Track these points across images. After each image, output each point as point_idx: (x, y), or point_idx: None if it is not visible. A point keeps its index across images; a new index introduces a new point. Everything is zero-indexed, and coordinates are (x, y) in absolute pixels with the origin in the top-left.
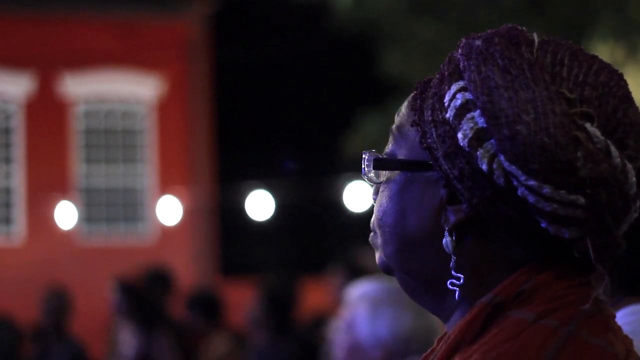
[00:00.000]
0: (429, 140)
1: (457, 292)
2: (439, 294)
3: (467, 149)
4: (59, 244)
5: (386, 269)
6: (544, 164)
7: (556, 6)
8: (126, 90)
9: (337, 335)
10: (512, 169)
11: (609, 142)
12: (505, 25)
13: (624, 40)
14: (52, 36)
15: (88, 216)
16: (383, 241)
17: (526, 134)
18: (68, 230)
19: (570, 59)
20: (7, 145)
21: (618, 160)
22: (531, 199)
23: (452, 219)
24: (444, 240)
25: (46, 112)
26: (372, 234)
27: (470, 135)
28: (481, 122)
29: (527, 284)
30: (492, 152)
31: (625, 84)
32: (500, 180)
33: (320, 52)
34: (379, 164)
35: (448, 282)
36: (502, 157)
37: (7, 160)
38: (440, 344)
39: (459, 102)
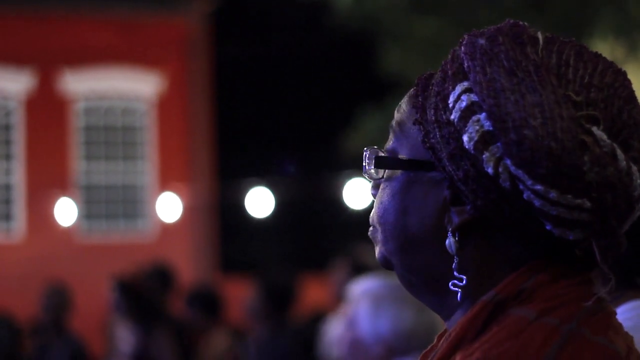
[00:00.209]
0: (433, 140)
1: (459, 293)
2: (440, 293)
3: (472, 151)
4: (58, 241)
5: (386, 264)
6: (551, 168)
7: (556, 4)
8: (126, 87)
9: (339, 331)
10: (519, 173)
11: (615, 145)
12: (507, 21)
13: (625, 38)
14: (53, 33)
15: (88, 213)
16: (384, 238)
17: (533, 139)
18: (68, 227)
19: (575, 59)
20: (7, 142)
21: (624, 163)
22: (537, 202)
23: (456, 220)
24: (447, 241)
25: (46, 109)
26: (371, 228)
27: (476, 138)
28: (487, 125)
29: (528, 282)
30: (498, 155)
31: (630, 84)
32: (506, 184)
33: (320, 50)
34: (381, 162)
35: (450, 283)
36: (508, 161)
37: (7, 157)
38: (441, 342)
39: (464, 104)
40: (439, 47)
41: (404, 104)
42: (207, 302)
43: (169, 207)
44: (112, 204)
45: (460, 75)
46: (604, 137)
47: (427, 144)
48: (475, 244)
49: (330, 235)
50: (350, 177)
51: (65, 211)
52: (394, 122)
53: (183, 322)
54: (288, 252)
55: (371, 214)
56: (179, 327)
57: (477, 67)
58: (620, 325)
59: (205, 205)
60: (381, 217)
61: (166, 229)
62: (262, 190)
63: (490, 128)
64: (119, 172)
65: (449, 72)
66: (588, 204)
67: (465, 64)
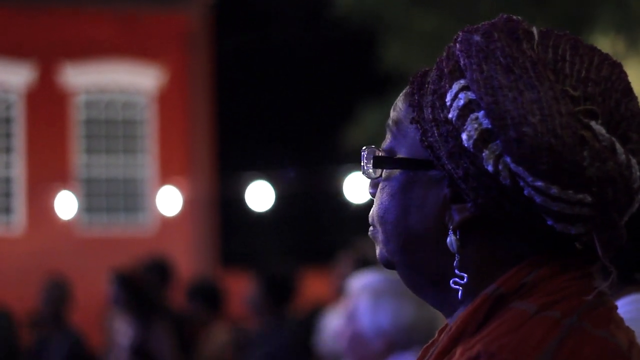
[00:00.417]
0: (431, 139)
1: (460, 291)
2: (443, 291)
3: (472, 149)
4: (58, 234)
5: (387, 264)
6: (551, 165)
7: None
8: (127, 81)
9: (339, 325)
10: (519, 170)
11: (613, 139)
12: (501, 16)
13: (625, 33)
14: (53, 26)
15: (88, 206)
16: (385, 238)
17: (533, 136)
18: (68, 220)
19: (571, 54)
20: (8, 135)
21: (623, 156)
22: (538, 199)
23: (457, 217)
24: (448, 239)
25: (47, 102)
26: (371, 228)
27: (475, 136)
28: (486, 123)
29: (529, 277)
30: (497, 153)
31: (626, 76)
32: (506, 181)
33: (320, 44)
34: (379, 162)
35: (451, 281)
36: (508, 159)
37: (8, 150)
38: (442, 335)
39: (461, 102)
40: (440, 42)
41: (400, 103)
42: (208, 296)
43: (170, 200)
44: (112, 197)
45: (457, 73)
46: (603, 131)
47: (426, 143)
48: (476, 241)
49: (330, 229)
50: (350, 171)
51: (66, 204)
52: (390, 121)
53: (183, 316)
54: (288, 245)
55: (370, 214)
56: (179, 320)
57: (474, 64)
58: (621, 319)
59: (205, 199)
60: (381, 217)
61: (166, 222)
62: (262, 184)
63: (489, 126)
64: (119, 166)
65: (445, 70)
66: (589, 198)
67: (462, 62)
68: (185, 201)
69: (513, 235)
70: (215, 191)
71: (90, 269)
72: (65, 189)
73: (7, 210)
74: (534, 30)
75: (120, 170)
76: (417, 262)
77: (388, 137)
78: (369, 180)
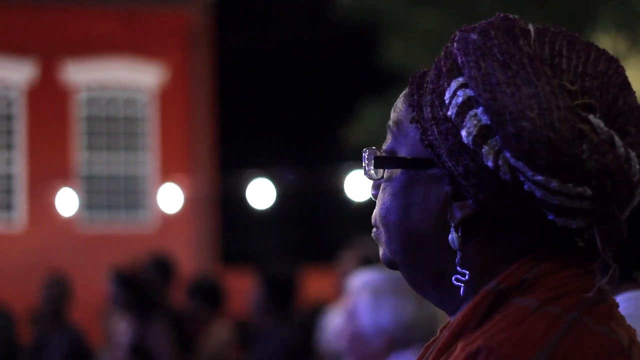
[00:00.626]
0: (431, 137)
1: (462, 288)
2: (446, 289)
3: (471, 146)
4: (59, 231)
5: (391, 265)
6: (551, 159)
7: None
8: (128, 78)
9: (339, 323)
10: (519, 165)
11: (612, 132)
12: (498, 15)
13: (627, 32)
14: (55, 23)
15: (89, 203)
16: (387, 238)
17: (531, 130)
18: (69, 218)
19: (568, 49)
20: (9, 132)
21: (622, 149)
22: (538, 193)
23: (458, 215)
24: (449, 237)
25: (48, 99)
26: (374, 229)
27: (474, 132)
28: (485, 119)
29: (530, 272)
30: (497, 148)
31: (623, 71)
32: (506, 176)
33: (322, 41)
34: (380, 162)
35: (453, 278)
36: (507, 154)
37: (9, 147)
38: (444, 332)
39: (460, 99)
40: (441, 40)
41: (399, 104)
42: (209, 294)
43: (170, 198)
44: (113, 194)
45: (455, 71)
46: (601, 124)
47: (426, 142)
48: (477, 238)
49: (331, 227)
50: (351, 169)
51: (67, 201)
52: (390, 122)
53: (184, 314)
54: (289, 244)
55: (373, 215)
56: (180, 318)
57: (471, 62)
58: (622, 317)
59: (206, 197)
60: (384, 217)
61: (167, 220)
62: (263, 182)
63: (488, 122)
64: (120, 163)
65: (443, 68)
66: (589, 191)
67: (459, 60)
68: (186, 199)
69: (514, 231)
70: (216, 189)
71: (90, 266)
72: (66, 186)
73: (8, 207)
74: (531, 27)
75: (121, 168)
76: (419, 261)
77: (389, 138)
78: (371, 182)
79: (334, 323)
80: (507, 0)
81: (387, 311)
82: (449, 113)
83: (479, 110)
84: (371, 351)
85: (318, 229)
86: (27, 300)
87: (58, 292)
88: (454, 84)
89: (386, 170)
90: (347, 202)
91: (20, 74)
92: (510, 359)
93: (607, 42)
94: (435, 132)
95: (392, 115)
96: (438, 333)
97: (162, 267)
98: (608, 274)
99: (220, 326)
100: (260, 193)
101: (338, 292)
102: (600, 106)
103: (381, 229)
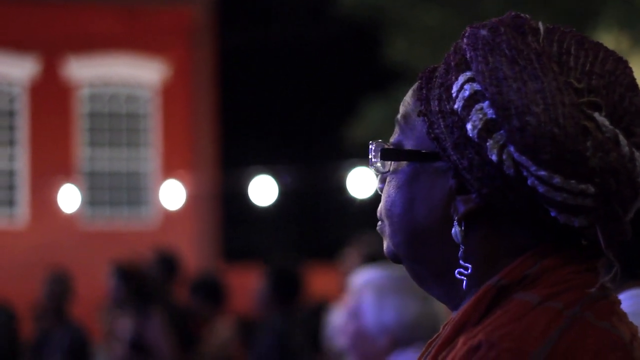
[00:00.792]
0: (437, 130)
1: (464, 282)
2: (449, 283)
3: (476, 139)
4: (61, 227)
5: (394, 258)
6: (554, 154)
7: None
8: (130, 74)
9: (342, 321)
10: (522, 159)
11: (617, 130)
12: (509, 13)
13: (629, 30)
14: (57, 19)
15: (91, 200)
16: (391, 231)
17: (536, 125)
18: (71, 214)
19: (576, 48)
20: (11, 128)
21: (626, 148)
22: (541, 188)
23: (462, 208)
24: (453, 230)
25: (50, 95)
26: (379, 222)
27: (479, 126)
28: (490, 113)
29: (533, 268)
30: (501, 143)
31: (631, 72)
32: (510, 171)
33: (324, 39)
34: (386, 155)
35: (456, 272)
36: (512, 148)
37: (11, 143)
38: (445, 327)
39: (467, 93)
40: (444, 37)
41: (408, 98)
42: (211, 291)
43: (173, 194)
44: (115, 191)
45: (463, 65)
46: (606, 122)
47: (432, 135)
48: (480, 232)
49: (333, 224)
50: (353, 166)
51: (69, 198)
52: (399, 116)
53: (187, 310)
54: (291, 241)
55: (379, 208)
56: (182, 315)
57: (480, 56)
58: (624, 314)
59: (208, 193)
60: (388, 209)
61: (169, 216)
62: (265, 179)
63: (494, 116)
64: (122, 159)
65: (452, 63)
66: (592, 189)
67: (468, 55)
68: (188, 195)
69: (517, 226)
70: (218, 185)
71: (92, 263)
72: (68, 182)
73: (10, 203)
74: (540, 26)
75: (124, 164)
76: (422, 254)
77: (396, 132)
78: (377, 177)
79: (337, 320)
80: None
81: (391, 310)
82: (456, 106)
83: (485, 104)
84: (374, 349)
85: (320, 226)
86: (29, 297)
87: (60, 288)
88: (462, 78)
89: (392, 163)
90: (349, 200)
91: (22, 70)
92: (511, 353)
93: (609, 40)
94: (442, 126)
95: (401, 109)
96: (441, 329)
97: (167, 263)
98: (611, 272)
99: (223, 323)
100: (263, 190)
101: (341, 289)
102: (606, 105)
103: (385, 221)
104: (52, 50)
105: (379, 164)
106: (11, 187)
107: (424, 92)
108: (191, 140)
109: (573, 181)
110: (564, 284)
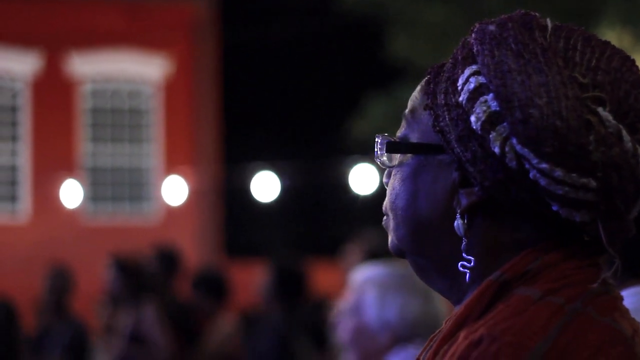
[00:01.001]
0: (442, 123)
1: (467, 275)
2: (451, 276)
3: (479, 132)
4: (64, 223)
5: (398, 252)
6: (556, 147)
7: None
8: (133, 70)
9: (342, 318)
10: (525, 152)
11: (620, 126)
12: (518, 11)
13: (632, 27)
14: (60, 15)
15: (93, 195)
16: (395, 224)
17: (539, 118)
18: (73, 209)
19: (583, 44)
20: (14, 123)
21: (630, 144)
22: (543, 181)
23: (464, 201)
24: (455, 223)
25: (53, 90)
26: (385, 217)
27: (483, 118)
28: (494, 105)
29: (534, 263)
30: (504, 135)
31: (637, 70)
32: (513, 163)
33: (327, 35)
34: (391, 147)
35: (459, 265)
36: (514, 140)
37: (13, 138)
38: (447, 322)
39: (472, 85)
40: (446, 34)
41: (416, 92)
42: (213, 286)
43: (175, 190)
44: (117, 186)
45: (470, 59)
46: (610, 118)
47: (437, 128)
48: (483, 225)
49: (334, 220)
50: (356, 162)
51: (71, 193)
52: (406, 111)
53: (189, 306)
54: (293, 237)
55: (384, 203)
56: (184, 310)
57: (486, 50)
58: (626, 309)
59: (210, 189)
60: (392, 202)
61: (171, 212)
62: (267, 175)
63: (497, 108)
64: (125, 155)
65: (459, 57)
66: (594, 183)
67: (475, 49)
68: (190, 191)
69: (519, 220)
70: (220, 181)
71: (94, 258)
72: (70, 177)
73: (13, 198)
74: (549, 23)
75: (126, 160)
76: (426, 247)
77: (403, 125)
78: (382, 172)
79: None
80: None
81: (392, 306)
82: (461, 99)
83: (489, 96)
84: (374, 346)
85: (322, 222)
86: (31, 292)
87: (60, 283)
88: (467, 71)
89: (398, 157)
90: (351, 196)
91: (25, 66)
92: (512, 347)
93: (612, 37)
94: (447, 118)
95: (409, 104)
96: (443, 325)
97: (168, 259)
98: (612, 266)
99: (225, 320)
100: (265, 186)
101: (343, 285)
102: (610, 100)
103: (390, 215)
104: (54, 46)
105: (384, 158)
106: (13, 183)
107: (432, 86)
108: (193, 136)
109: (575, 175)
110: (566, 279)
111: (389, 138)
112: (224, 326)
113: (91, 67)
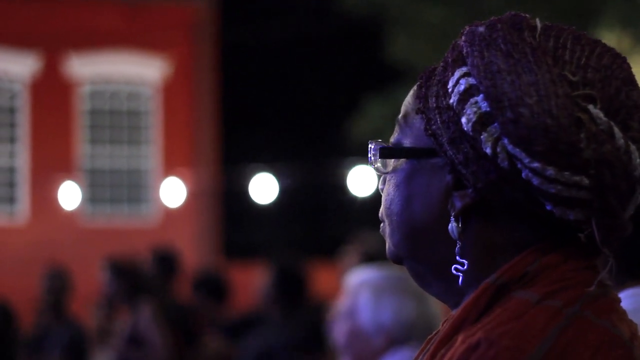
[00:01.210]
0: (434, 127)
1: (461, 277)
2: (448, 280)
3: (471, 133)
4: (62, 224)
5: (396, 259)
6: (548, 145)
7: None
8: (132, 72)
9: (337, 321)
10: (516, 151)
11: (612, 123)
12: (508, 13)
13: (631, 28)
14: (59, 16)
15: (92, 197)
16: (391, 230)
17: (529, 117)
18: (71, 211)
19: (572, 43)
20: (12, 125)
21: (622, 141)
22: (535, 181)
23: (458, 204)
24: (449, 226)
25: (51, 92)
26: (381, 224)
27: (474, 119)
28: (484, 106)
29: (532, 266)
30: (495, 135)
31: (629, 67)
32: (505, 164)
33: (326, 36)
34: (384, 153)
35: (452, 268)
36: (505, 140)
37: (12, 140)
38: (444, 325)
39: (462, 87)
40: (446, 35)
41: (409, 97)
42: (213, 288)
43: (173, 192)
44: (116, 188)
45: (460, 61)
46: (601, 115)
47: (429, 131)
48: (477, 227)
49: (333, 221)
50: (355, 163)
51: (69, 195)
52: (399, 116)
53: (188, 308)
54: (291, 238)
55: (380, 210)
56: (183, 312)
57: (475, 51)
58: (624, 312)
59: (209, 191)
60: (387, 208)
61: (170, 213)
62: (266, 176)
63: (488, 109)
64: (123, 157)
65: (449, 60)
66: (586, 181)
67: (464, 50)
68: (188, 193)
69: (514, 222)
70: (219, 183)
71: (92, 260)
72: (69, 179)
73: (11, 199)
74: (538, 23)
75: (124, 161)
76: (421, 252)
77: (396, 131)
78: (379, 178)
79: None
80: None
81: (387, 309)
82: (451, 101)
83: (480, 97)
84: (369, 349)
85: (320, 223)
86: (29, 293)
87: (58, 285)
88: (457, 73)
89: (392, 162)
90: (350, 197)
91: (23, 67)
92: (510, 351)
93: (611, 39)
94: (439, 121)
95: (402, 109)
96: (440, 327)
97: (166, 261)
98: (606, 266)
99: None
100: (263, 187)
101: (341, 287)
102: (601, 98)
103: (386, 221)
104: (53, 47)
105: (379, 164)
106: (12, 184)
107: (423, 90)
108: (192, 137)
109: (567, 173)
110: (563, 282)
111: (382, 144)
112: (211, 345)
113: (90, 68)
